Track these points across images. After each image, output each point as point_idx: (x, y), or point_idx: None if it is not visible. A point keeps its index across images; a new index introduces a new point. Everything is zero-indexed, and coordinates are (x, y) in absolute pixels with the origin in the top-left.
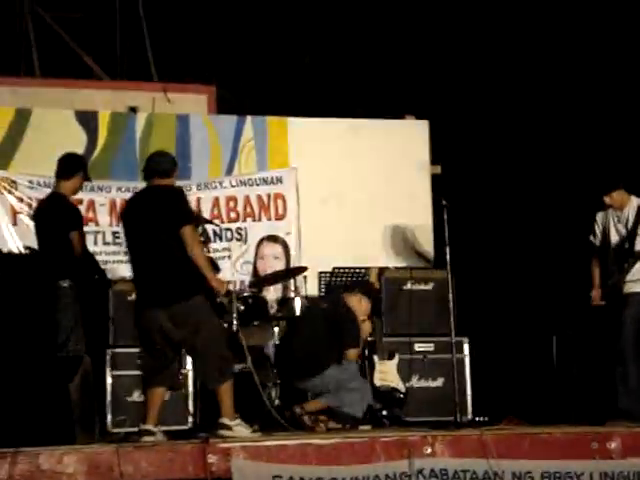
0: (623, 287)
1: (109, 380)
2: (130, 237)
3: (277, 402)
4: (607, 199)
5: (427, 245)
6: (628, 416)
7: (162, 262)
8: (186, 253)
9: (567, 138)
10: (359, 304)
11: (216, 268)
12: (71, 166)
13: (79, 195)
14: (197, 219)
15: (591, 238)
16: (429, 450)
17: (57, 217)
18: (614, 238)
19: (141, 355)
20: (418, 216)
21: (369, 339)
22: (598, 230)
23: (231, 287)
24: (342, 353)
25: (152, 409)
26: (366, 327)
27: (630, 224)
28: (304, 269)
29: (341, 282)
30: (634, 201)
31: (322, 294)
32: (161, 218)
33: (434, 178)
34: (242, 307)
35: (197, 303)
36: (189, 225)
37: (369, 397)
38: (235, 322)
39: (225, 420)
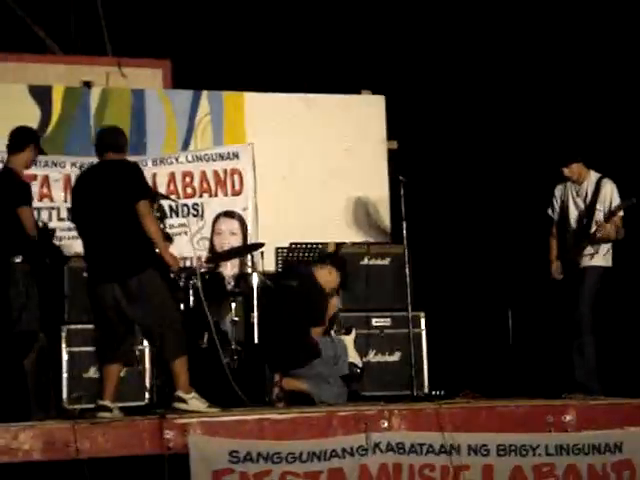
0: (580, 261)
1: (65, 356)
2: (82, 212)
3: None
4: (566, 170)
5: (384, 220)
6: (584, 389)
7: (115, 236)
8: (140, 227)
9: (526, 110)
10: (329, 276)
11: (169, 239)
12: (22, 139)
13: (33, 170)
14: (153, 194)
15: (549, 211)
16: (386, 424)
17: (6, 192)
18: (573, 212)
19: (96, 331)
20: (375, 191)
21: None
22: (556, 204)
23: (188, 263)
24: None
25: (108, 385)
26: (334, 303)
27: (589, 198)
28: (261, 245)
29: (299, 257)
30: (593, 175)
31: (281, 269)
32: (116, 192)
33: (391, 153)
34: (199, 283)
35: (150, 277)
36: (144, 200)
37: (344, 395)
38: (192, 298)
39: (180, 393)
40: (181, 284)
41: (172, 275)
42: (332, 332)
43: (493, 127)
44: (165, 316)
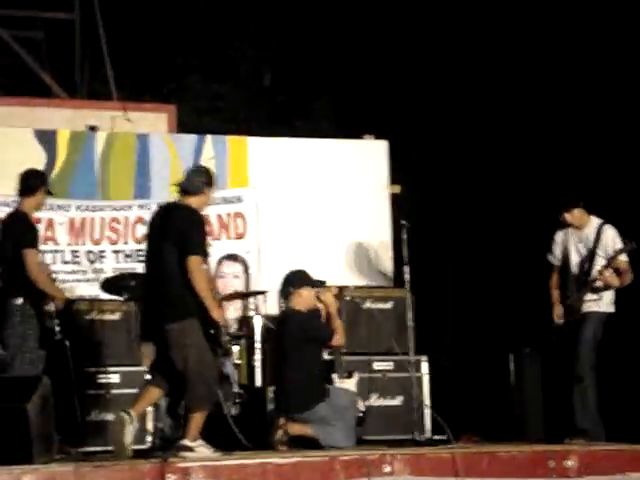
0: (581, 306)
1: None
2: (146, 250)
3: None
4: (568, 216)
5: (386, 264)
6: (585, 434)
7: (164, 281)
8: (188, 278)
9: (527, 156)
10: (300, 298)
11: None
12: (33, 182)
13: (38, 214)
14: (207, 252)
15: (549, 257)
16: (388, 469)
17: (14, 234)
18: (574, 258)
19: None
20: (377, 235)
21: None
22: (557, 249)
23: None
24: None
25: (142, 401)
26: (326, 298)
27: (590, 244)
28: (264, 292)
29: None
30: (594, 221)
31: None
32: (172, 239)
33: (394, 197)
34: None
35: (189, 326)
36: (197, 255)
37: (353, 436)
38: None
39: (186, 442)
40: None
41: (216, 329)
42: (336, 377)
43: (495, 173)
44: (201, 368)
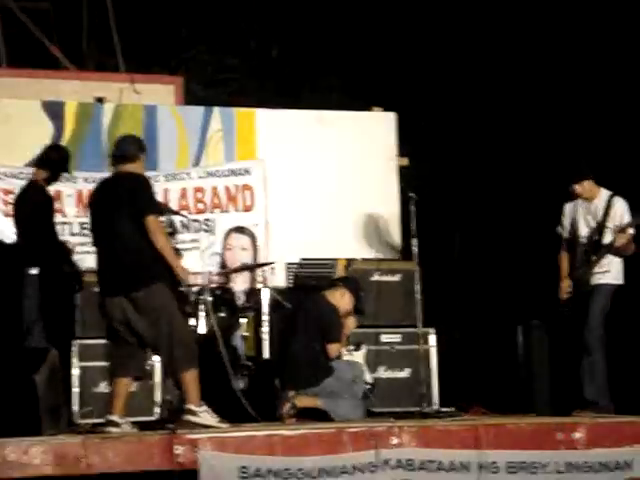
0: (590, 279)
1: (76, 371)
2: (95, 225)
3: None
4: (578, 187)
5: (395, 236)
6: (594, 407)
7: (124, 250)
8: (148, 241)
9: (537, 128)
10: (341, 299)
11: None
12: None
13: None
14: (162, 209)
15: (558, 229)
16: (396, 440)
17: (31, 205)
18: (583, 230)
19: (107, 345)
20: (385, 208)
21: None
22: (566, 221)
23: (199, 278)
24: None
25: (118, 400)
26: (350, 323)
27: (600, 216)
28: (271, 263)
29: (309, 274)
30: (604, 193)
31: (293, 289)
32: (124, 206)
33: (402, 170)
34: (210, 298)
35: (158, 290)
36: (152, 215)
37: (361, 408)
38: (203, 313)
39: (191, 406)
40: (192, 299)
41: (183, 289)
42: (344, 350)
43: (504, 145)
44: (174, 329)
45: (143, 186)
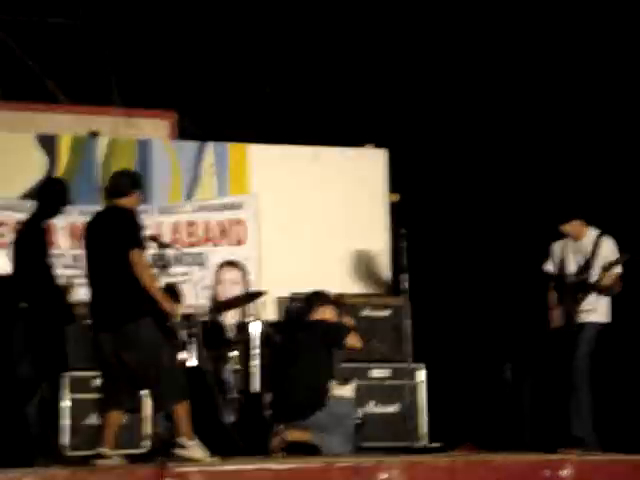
0: (577, 317)
1: (66, 403)
2: (87, 259)
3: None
4: (566, 227)
5: (385, 272)
6: (581, 444)
7: (112, 284)
8: (135, 276)
9: (526, 166)
10: (324, 315)
11: (177, 295)
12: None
13: None
14: (146, 244)
15: (546, 267)
16: (385, 476)
17: (28, 240)
18: (571, 268)
19: (98, 377)
20: (376, 243)
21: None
22: (554, 260)
23: (190, 311)
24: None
25: (109, 432)
26: (347, 321)
27: (588, 255)
28: (263, 294)
29: (299, 309)
30: (592, 232)
31: (282, 321)
32: (111, 240)
33: (393, 206)
34: (199, 332)
35: (145, 325)
36: (136, 249)
37: (351, 443)
38: (195, 347)
39: (182, 440)
40: (181, 332)
41: (171, 323)
42: (333, 384)
43: (494, 183)
44: (162, 364)
45: (128, 221)
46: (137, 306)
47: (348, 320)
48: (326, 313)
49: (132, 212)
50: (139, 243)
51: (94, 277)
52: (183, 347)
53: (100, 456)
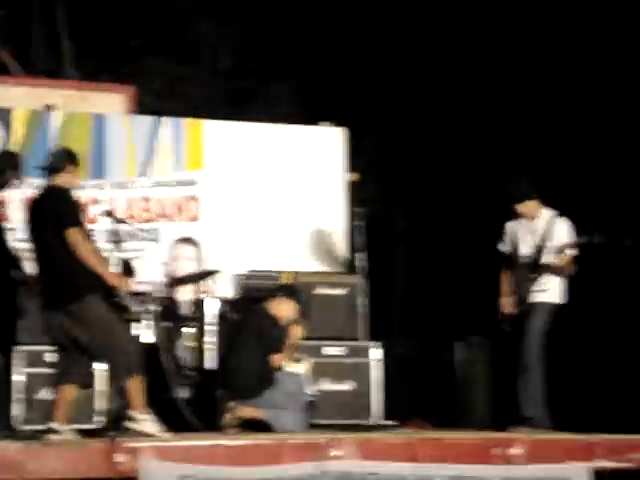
0: (529, 297)
1: (18, 377)
2: (30, 239)
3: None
4: (521, 207)
5: (341, 250)
6: (530, 423)
7: (53, 264)
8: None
9: (480, 149)
10: (281, 308)
11: (131, 271)
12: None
13: None
14: (82, 222)
15: (500, 247)
16: (336, 453)
17: None
18: (524, 248)
19: (52, 352)
20: (333, 222)
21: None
22: (508, 240)
23: (144, 288)
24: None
25: (61, 407)
26: (295, 331)
27: (541, 235)
28: (217, 272)
29: (255, 286)
30: (546, 213)
31: (233, 302)
32: (49, 220)
33: (351, 185)
34: (155, 308)
35: (91, 303)
36: (72, 227)
37: (303, 420)
38: (146, 323)
39: (134, 413)
40: (131, 305)
41: (119, 297)
42: (287, 361)
43: (450, 163)
44: (112, 340)
45: (63, 199)
46: (82, 284)
47: (296, 330)
48: (282, 305)
49: (67, 190)
50: (75, 221)
51: (38, 255)
52: (137, 322)
53: (52, 431)
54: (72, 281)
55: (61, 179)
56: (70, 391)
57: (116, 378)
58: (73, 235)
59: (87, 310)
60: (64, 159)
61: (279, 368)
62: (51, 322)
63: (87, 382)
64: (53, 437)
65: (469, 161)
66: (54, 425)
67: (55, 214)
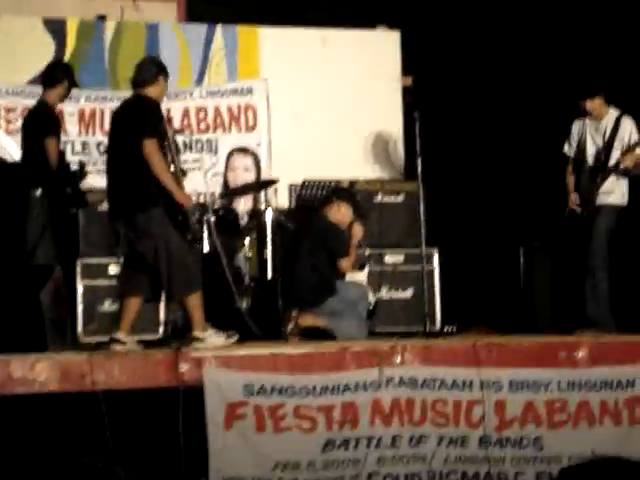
0: (596, 199)
1: (80, 289)
2: (108, 148)
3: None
4: (588, 104)
5: (398, 156)
6: (596, 326)
7: (126, 174)
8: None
9: (547, 43)
10: (338, 212)
11: (183, 173)
12: (56, 75)
13: None
14: (162, 134)
15: (565, 148)
16: (399, 359)
17: (36, 125)
18: (590, 148)
19: (113, 264)
20: (389, 127)
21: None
22: (573, 141)
23: (202, 199)
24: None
25: (126, 318)
26: (356, 231)
27: (608, 135)
28: (275, 182)
29: (311, 195)
30: (612, 112)
31: (293, 210)
32: (129, 129)
33: (406, 89)
34: (213, 219)
35: (156, 216)
36: (150, 138)
37: (364, 328)
38: (206, 234)
39: (197, 333)
40: (194, 220)
41: (183, 214)
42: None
43: (512, 59)
44: (173, 255)
45: (148, 109)
46: (149, 197)
47: (357, 230)
48: (341, 210)
49: (153, 101)
50: (154, 133)
51: (112, 166)
52: (195, 236)
53: (117, 341)
54: (140, 192)
55: (149, 90)
56: (135, 302)
57: (176, 293)
58: (150, 146)
59: (151, 223)
60: (154, 70)
61: (347, 271)
62: (117, 232)
63: (152, 294)
64: (118, 347)
65: (532, 57)
66: (119, 336)
67: (136, 123)
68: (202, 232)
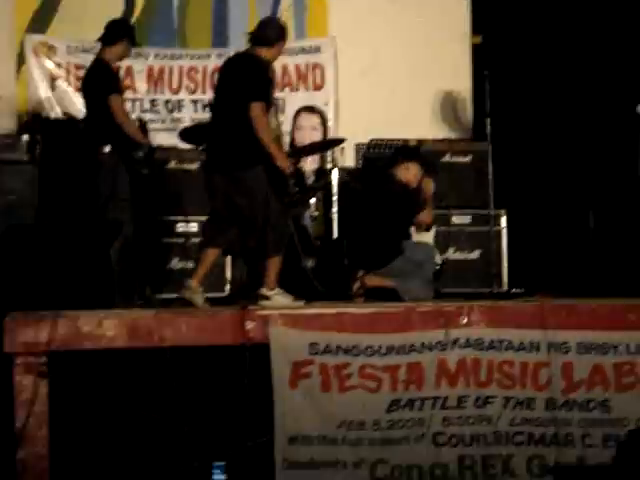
0: None
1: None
2: (214, 101)
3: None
4: None
5: (467, 116)
6: None
7: (231, 130)
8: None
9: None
10: (407, 172)
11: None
12: (115, 32)
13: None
14: (269, 98)
15: (638, 108)
16: (465, 320)
17: (98, 83)
18: None
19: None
20: (458, 86)
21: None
22: None
23: None
24: (411, 226)
25: (201, 267)
26: (427, 185)
27: None
28: (342, 141)
29: (378, 155)
30: None
31: (361, 170)
32: (238, 86)
33: (475, 48)
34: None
35: (258, 173)
36: (258, 101)
37: (430, 288)
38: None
39: (264, 290)
40: (292, 185)
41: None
42: (413, 231)
43: (585, 18)
44: (270, 214)
45: (259, 71)
46: (253, 154)
47: (428, 184)
48: (410, 170)
49: (265, 63)
50: (262, 96)
51: (216, 119)
52: (291, 199)
53: (187, 287)
54: (245, 149)
55: (263, 51)
56: (213, 254)
57: (263, 253)
58: (256, 109)
59: (255, 179)
60: (278, 34)
61: (429, 222)
62: (213, 185)
63: (232, 248)
64: (185, 293)
65: (603, 16)
66: (189, 282)
67: (246, 83)
68: (299, 197)
